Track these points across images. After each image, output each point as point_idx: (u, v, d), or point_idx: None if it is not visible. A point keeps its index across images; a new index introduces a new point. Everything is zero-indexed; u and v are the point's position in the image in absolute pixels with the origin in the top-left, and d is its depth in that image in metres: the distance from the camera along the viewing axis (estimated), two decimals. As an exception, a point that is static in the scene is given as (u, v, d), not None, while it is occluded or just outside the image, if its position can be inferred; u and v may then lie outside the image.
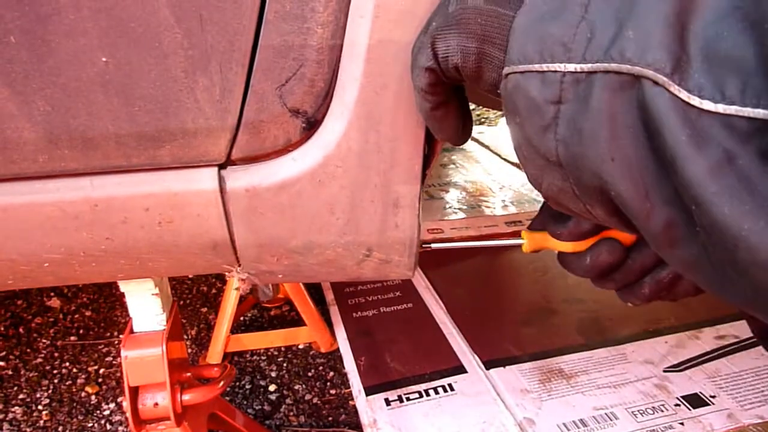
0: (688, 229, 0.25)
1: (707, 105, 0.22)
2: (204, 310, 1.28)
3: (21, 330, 1.20)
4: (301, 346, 1.14)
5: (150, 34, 0.37)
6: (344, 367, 0.99)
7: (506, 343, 1.01)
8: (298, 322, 1.15)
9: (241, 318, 1.23)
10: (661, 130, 0.23)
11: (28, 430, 0.95)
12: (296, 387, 1.04)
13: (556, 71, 0.28)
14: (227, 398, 1.00)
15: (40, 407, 1.00)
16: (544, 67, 0.28)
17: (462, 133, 0.40)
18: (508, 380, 0.91)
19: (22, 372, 1.08)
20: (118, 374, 1.07)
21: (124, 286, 0.59)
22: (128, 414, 0.63)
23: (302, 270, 0.48)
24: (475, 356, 0.97)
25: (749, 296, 0.23)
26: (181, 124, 0.40)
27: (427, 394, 0.89)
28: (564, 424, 0.83)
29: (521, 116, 0.31)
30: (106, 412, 0.99)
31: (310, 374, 1.07)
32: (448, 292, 1.17)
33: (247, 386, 1.04)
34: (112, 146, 0.40)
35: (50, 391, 1.03)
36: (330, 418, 0.97)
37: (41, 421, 0.97)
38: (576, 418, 0.84)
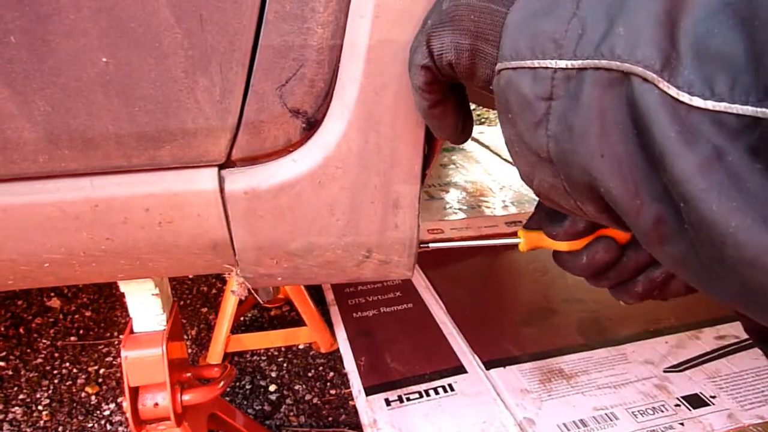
0: (677, 226, 0.25)
1: (697, 102, 0.22)
2: (204, 310, 1.28)
3: (21, 330, 1.20)
4: (301, 347, 1.14)
5: (150, 34, 0.37)
6: (344, 368, 0.99)
7: (506, 343, 1.01)
8: (298, 322, 1.15)
9: (242, 318, 1.23)
10: (650, 126, 0.23)
11: (28, 430, 0.95)
12: (296, 387, 1.04)
13: (547, 67, 0.28)
14: (227, 398, 1.00)
15: (40, 407, 1.00)
16: (536, 63, 0.28)
17: (462, 131, 0.40)
18: (508, 380, 0.91)
19: (23, 372, 1.08)
20: (119, 374, 1.07)
21: (124, 287, 0.59)
22: (128, 414, 0.63)
23: (301, 272, 0.48)
24: (475, 356, 0.97)
25: (737, 293, 0.23)
26: (181, 125, 0.40)
27: (427, 395, 0.89)
28: (564, 424, 0.83)
29: (513, 112, 0.31)
30: (107, 413, 0.99)
31: (310, 374, 1.07)
32: (448, 292, 1.17)
33: (248, 386, 1.04)
34: (112, 146, 0.40)
35: (50, 392, 1.03)
36: (330, 419, 0.97)
37: (41, 422, 0.97)
38: (576, 419, 0.84)
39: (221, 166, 0.42)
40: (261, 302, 1.24)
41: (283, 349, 1.14)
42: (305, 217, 0.44)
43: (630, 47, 0.24)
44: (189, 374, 0.70)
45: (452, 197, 1.63)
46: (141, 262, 0.46)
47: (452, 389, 0.90)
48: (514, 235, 0.47)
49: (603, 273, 0.43)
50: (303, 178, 0.42)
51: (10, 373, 1.08)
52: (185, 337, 1.18)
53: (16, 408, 1.00)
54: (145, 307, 0.61)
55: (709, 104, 0.21)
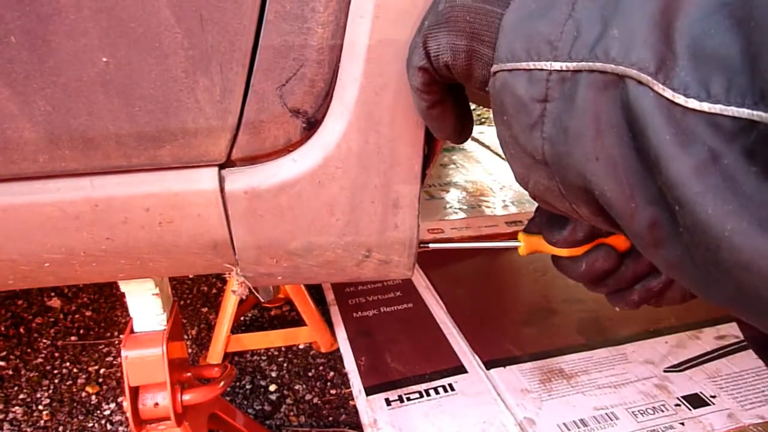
0: (672, 229, 0.24)
1: (692, 103, 0.21)
2: (204, 310, 1.28)
3: (21, 330, 1.20)
4: (301, 346, 1.14)
5: (150, 34, 0.37)
6: (344, 367, 0.99)
7: (506, 343, 1.01)
8: (298, 322, 1.15)
9: (242, 318, 1.23)
10: (645, 129, 0.23)
11: (28, 430, 0.95)
12: (296, 387, 1.04)
13: (542, 69, 0.28)
14: (227, 398, 1.00)
15: (40, 407, 1.00)
16: (531, 65, 0.28)
17: (461, 131, 0.40)
18: (508, 380, 0.91)
19: (23, 372, 1.08)
20: (119, 374, 1.07)
21: (124, 286, 0.59)
22: (128, 414, 0.63)
23: (301, 271, 0.48)
24: (476, 356, 0.97)
25: (732, 297, 0.23)
26: (181, 124, 0.40)
27: (428, 394, 0.89)
28: (564, 424, 0.83)
29: (508, 114, 0.31)
30: (107, 412, 0.99)
31: (310, 374, 1.07)
32: (448, 292, 1.17)
33: (248, 386, 1.04)
34: (112, 146, 0.40)
35: (51, 391, 1.03)
36: (330, 418, 0.97)
37: (42, 421, 0.97)
38: (576, 418, 0.84)
39: (221, 166, 0.42)
40: (261, 302, 1.24)
41: (283, 349, 1.14)
42: (305, 217, 0.44)
43: (624, 49, 0.24)
44: (189, 374, 0.70)
45: (452, 197, 1.63)
46: (141, 262, 0.46)
47: (452, 389, 0.90)
48: (515, 237, 0.47)
49: (601, 280, 0.43)
50: (303, 178, 0.42)
51: (11, 372, 1.08)
52: (185, 336, 1.18)
53: (17, 408, 1.00)
54: (146, 306, 0.61)
55: (705, 106, 0.21)
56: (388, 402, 0.88)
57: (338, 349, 1.06)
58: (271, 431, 0.94)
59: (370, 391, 0.90)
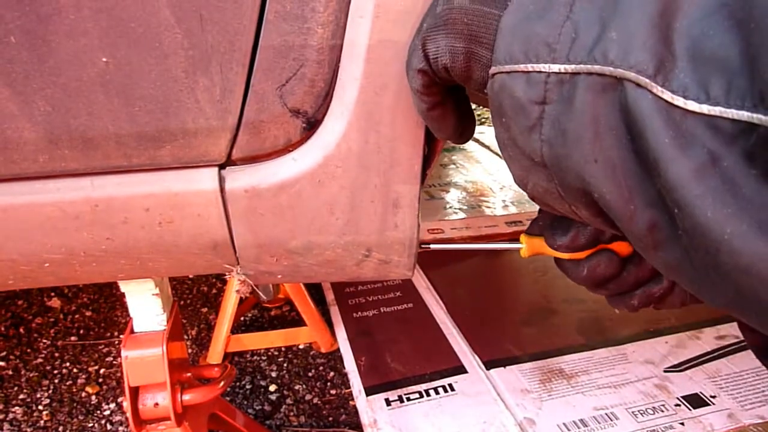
0: (671, 232, 0.24)
1: (692, 105, 0.21)
2: (204, 310, 1.28)
3: (21, 330, 1.20)
4: (301, 346, 1.14)
5: (150, 34, 0.37)
6: (344, 367, 0.99)
7: (506, 343, 1.01)
8: (298, 322, 1.15)
9: (242, 318, 1.23)
10: (643, 132, 0.23)
11: (28, 430, 0.95)
12: (296, 387, 1.04)
13: (540, 71, 0.27)
14: (227, 398, 1.00)
15: (40, 407, 1.00)
16: (529, 67, 0.28)
17: (462, 132, 0.40)
18: (508, 380, 0.91)
19: (23, 372, 1.08)
20: (119, 374, 1.07)
21: (124, 287, 0.59)
22: (128, 414, 0.63)
23: (301, 270, 0.48)
24: (476, 356, 0.97)
25: (731, 299, 0.23)
26: (181, 124, 0.40)
27: (428, 395, 0.89)
28: (564, 424, 0.83)
29: (507, 116, 0.31)
30: (107, 412, 0.99)
31: (310, 374, 1.07)
32: (448, 292, 1.17)
33: (248, 386, 1.04)
34: (112, 146, 0.40)
35: (50, 391, 1.03)
36: (330, 418, 0.97)
37: (42, 421, 0.97)
38: (576, 418, 0.84)
39: (221, 166, 0.42)
40: (261, 302, 1.24)
41: (283, 349, 1.14)
42: (305, 216, 0.44)
43: (623, 52, 0.24)
44: (189, 374, 0.70)
45: (452, 197, 1.63)
46: (141, 262, 0.46)
47: (452, 389, 0.90)
48: (515, 237, 0.47)
49: (602, 284, 0.43)
50: (303, 177, 0.42)
51: (11, 372, 1.08)
52: (185, 337, 1.18)
53: (17, 408, 1.00)
54: (146, 307, 0.61)
55: (705, 108, 0.21)
56: (388, 402, 0.88)
57: (338, 349, 1.06)
58: (271, 431, 0.94)
59: (370, 391, 0.90)
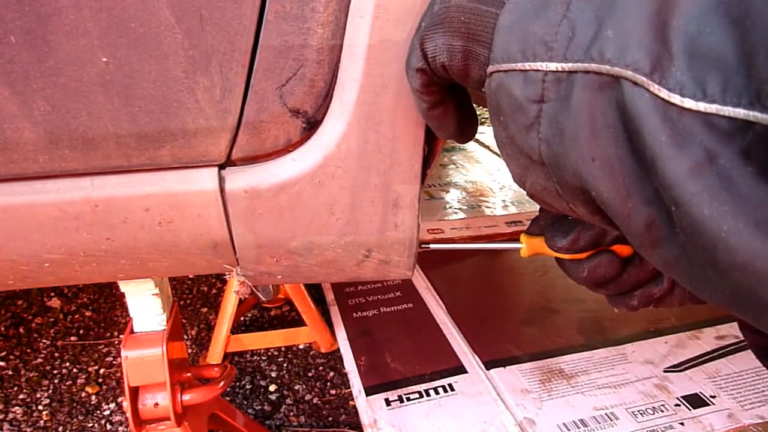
0: (668, 230, 0.24)
1: (688, 103, 0.21)
2: (204, 310, 1.28)
3: (21, 330, 1.20)
4: (301, 346, 1.14)
5: (150, 34, 0.37)
6: (344, 367, 0.99)
7: (506, 343, 1.01)
8: (298, 322, 1.15)
9: (242, 318, 1.23)
10: (640, 130, 0.23)
11: (28, 430, 0.95)
12: (296, 387, 1.04)
13: (538, 70, 0.28)
14: (227, 398, 1.00)
15: (40, 407, 1.00)
16: (527, 65, 0.28)
17: (464, 131, 0.40)
18: (508, 380, 0.91)
19: (23, 372, 1.08)
20: (119, 374, 1.07)
21: (124, 287, 0.59)
22: (128, 414, 0.63)
23: (301, 271, 0.48)
24: (476, 356, 0.97)
25: (729, 297, 0.23)
26: (181, 125, 0.40)
27: (428, 394, 0.89)
28: (564, 424, 0.83)
29: (505, 115, 0.31)
30: (107, 412, 0.99)
31: (310, 374, 1.07)
32: (448, 292, 1.17)
33: (248, 386, 1.04)
34: (112, 146, 0.40)
35: (50, 391, 1.03)
36: (330, 419, 0.97)
37: (41, 421, 0.97)
38: (576, 418, 0.84)
39: (221, 166, 0.42)
40: (261, 302, 1.24)
41: (283, 349, 1.14)
42: (305, 216, 0.44)
43: (619, 51, 0.24)
44: (189, 374, 0.70)
45: (452, 197, 1.63)
46: (141, 262, 0.46)
47: (452, 389, 0.90)
48: (515, 237, 0.47)
49: (602, 285, 0.43)
50: (303, 178, 0.42)
51: (10, 373, 1.08)
52: (185, 337, 1.18)
53: (17, 408, 1.00)
54: (146, 307, 0.61)
55: (701, 106, 0.21)
56: (388, 402, 0.88)
57: (338, 349, 1.06)
58: (271, 431, 0.94)
59: (370, 391, 0.90)
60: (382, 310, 1.12)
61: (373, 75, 0.39)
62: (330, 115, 0.41)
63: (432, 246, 0.49)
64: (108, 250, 0.45)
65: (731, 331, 1.02)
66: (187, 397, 0.65)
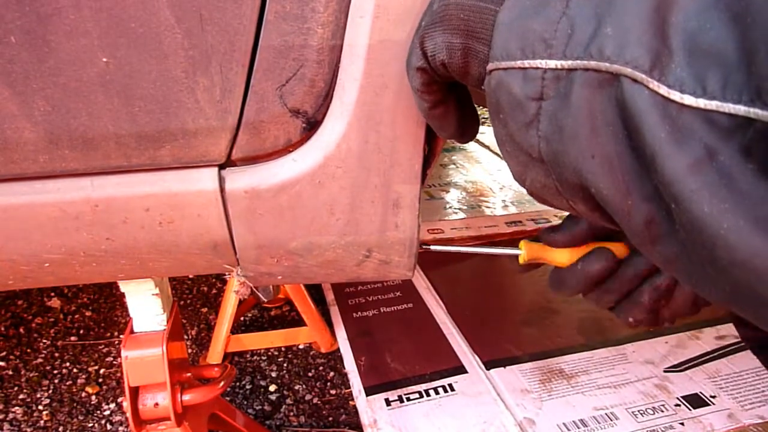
0: (668, 227, 0.24)
1: (688, 100, 0.21)
2: (204, 310, 1.28)
3: (21, 330, 1.20)
4: (301, 346, 1.14)
5: (150, 34, 0.37)
6: (344, 367, 0.99)
7: (506, 343, 1.01)
8: (298, 322, 1.15)
9: (242, 318, 1.23)
10: (640, 127, 0.23)
11: (28, 430, 0.95)
12: (296, 387, 1.04)
13: (537, 68, 0.28)
14: (227, 398, 1.00)
15: (40, 407, 1.00)
16: (526, 63, 0.28)
17: (465, 130, 0.40)
18: (508, 380, 0.91)
19: (23, 372, 1.08)
20: (119, 374, 1.07)
21: (124, 287, 0.59)
22: (128, 414, 0.63)
23: (301, 271, 0.48)
24: (476, 356, 0.97)
25: (729, 294, 0.23)
26: (181, 125, 0.40)
27: (428, 395, 0.89)
28: (564, 424, 0.83)
29: (504, 112, 0.31)
30: (107, 413, 0.99)
31: (310, 374, 1.07)
32: (448, 292, 1.17)
33: (248, 386, 1.04)
34: (112, 146, 0.40)
35: (50, 392, 1.03)
36: (330, 419, 0.97)
37: (42, 421, 0.97)
38: (576, 418, 0.84)
39: (221, 166, 0.42)
40: (261, 302, 1.24)
41: (283, 349, 1.14)
42: (305, 217, 0.44)
43: (619, 48, 0.24)
44: (189, 374, 0.70)
45: (452, 197, 1.63)
46: (141, 262, 0.46)
47: (452, 389, 0.90)
48: (515, 237, 0.47)
49: (603, 286, 0.42)
50: (303, 178, 0.42)
51: (11, 373, 1.08)
52: (185, 337, 1.18)
53: (17, 408, 1.00)
54: (146, 307, 0.61)
55: (701, 103, 0.21)
56: (388, 402, 0.88)
57: (338, 349, 1.06)
58: (271, 431, 0.94)
59: (370, 391, 0.90)
60: (382, 310, 1.12)
61: (374, 75, 0.39)
62: (330, 115, 0.41)
63: (432, 248, 0.49)
64: (108, 250, 0.45)
65: (731, 331, 1.02)
66: (187, 397, 0.65)
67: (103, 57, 0.37)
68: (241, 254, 0.46)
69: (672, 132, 0.22)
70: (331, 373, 1.07)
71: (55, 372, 1.08)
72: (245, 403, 1.00)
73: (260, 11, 0.37)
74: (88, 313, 1.26)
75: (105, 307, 1.28)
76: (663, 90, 0.22)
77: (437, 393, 0.89)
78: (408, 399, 0.88)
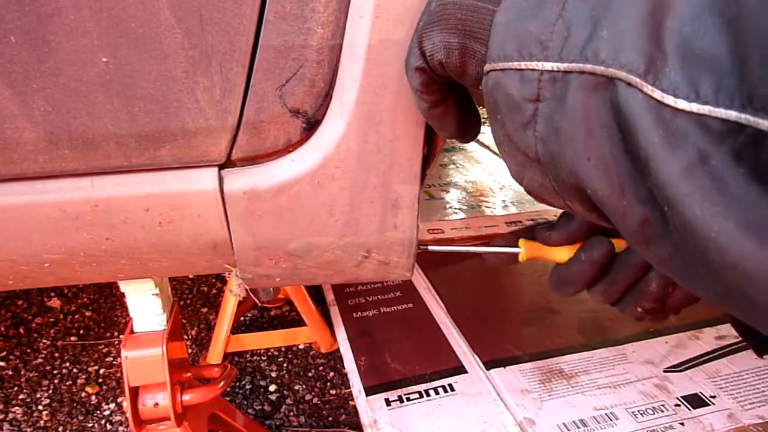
0: (662, 228, 0.25)
1: (681, 104, 0.21)
2: (204, 310, 1.28)
3: (21, 330, 1.20)
4: (301, 347, 1.14)
5: (150, 34, 0.37)
6: (344, 368, 0.99)
7: (506, 343, 1.01)
8: (298, 322, 1.15)
9: (241, 318, 1.23)
10: (634, 131, 0.23)
11: (28, 430, 0.95)
12: (296, 387, 1.04)
13: (534, 69, 0.28)
14: (227, 398, 1.00)
15: (40, 407, 1.00)
16: (523, 65, 0.28)
17: (466, 130, 0.40)
18: (508, 380, 0.91)
19: (23, 372, 1.08)
20: (119, 374, 1.07)
21: (124, 287, 0.59)
22: (128, 414, 0.63)
23: (300, 273, 0.48)
24: (476, 356, 0.97)
25: (721, 296, 0.23)
26: (181, 125, 0.40)
27: (428, 395, 0.89)
28: (564, 424, 0.83)
29: (502, 113, 0.31)
30: (107, 413, 0.99)
31: (310, 374, 1.07)
32: (448, 292, 1.17)
33: (248, 386, 1.04)
34: (112, 146, 0.40)
35: (50, 392, 1.03)
36: (330, 419, 0.97)
37: (41, 422, 0.97)
38: (576, 418, 0.84)
39: (221, 166, 0.42)
40: (259, 303, 1.24)
41: (283, 349, 1.14)
42: (304, 218, 0.44)
43: (614, 51, 0.24)
44: (189, 374, 0.70)
45: (452, 197, 1.63)
46: (141, 262, 0.46)
47: (452, 389, 0.90)
48: (515, 243, 0.46)
49: (609, 276, 0.41)
50: (302, 179, 0.42)
51: (10, 373, 1.08)
52: (185, 337, 1.18)
53: (17, 408, 1.00)
54: (146, 307, 0.61)
55: (694, 107, 0.21)
56: (388, 402, 0.88)
57: (338, 350, 1.06)
58: (271, 431, 0.94)
59: (370, 391, 0.90)
60: (382, 310, 1.12)
61: (373, 75, 0.39)
62: (330, 115, 0.41)
63: (430, 248, 0.49)
64: (108, 250, 0.45)
65: (731, 331, 1.02)
66: (187, 397, 0.65)
67: (103, 57, 0.37)
68: (239, 256, 0.46)
69: (665, 136, 0.22)
70: (331, 373, 1.07)
71: (55, 372, 1.08)
72: (245, 403, 1.00)
73: (260, 11, 0.37)
74: (88, 313, 1.26)
75: (105, 307, 1.29)
76: (657, 94, 0.22)
77: (437, 393, 0.89)
78: (408, 399, 0.88)
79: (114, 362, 1.11)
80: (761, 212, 0.20)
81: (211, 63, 0.38)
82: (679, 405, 0.86)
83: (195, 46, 0.37)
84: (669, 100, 0.22)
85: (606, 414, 0.84)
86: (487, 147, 2.03)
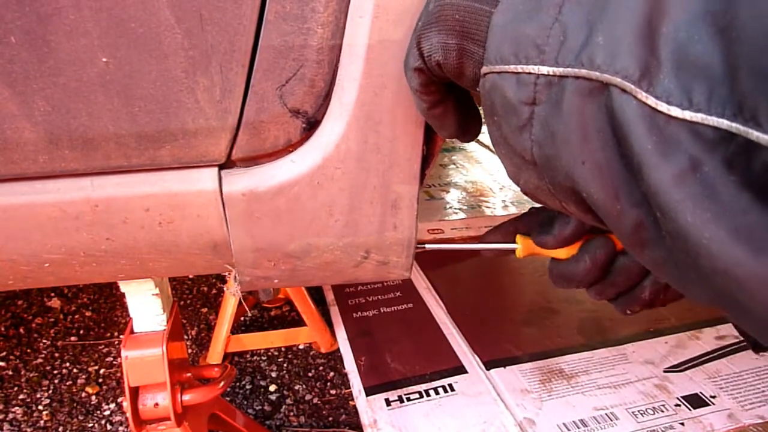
0: (656, 232, 0.25)
1: (675, 111, 0.22)
2: (204, 310, 1.28)
3: (21, 330, 1.20)
4: (301, 347, 1.14)
5: (150, 34, 0.37)
6: (344, 368, 0.99)
7: (506, 343, 1.01)
8: (298, 322, 1.15)
9: (242, 318, 1.23)
10: (628, 137, 0.24)
11: (28, 430, 0.95)
12: (296, 387, 1.04)
13: (530, 73, 0.28)
14: (227, 398, 1.00)
15: (40, 407, 1.00)
16: (519, 68, 0.28)
17: (466, 129, 0.40)
18: (508, 380, 0.91)
19: (23, 372, 1.08)
20: (119, 374, 1.07)
21: (124, 287, 0.59)
22: (129, 414, 0.63)
23: (299, 274, 0.48)
24: (476, 356, 0.97)
25: (713, 299, 0.24)
26: (181, 125, 0.40)
27: (428, 395, 0.89)
28: (564, 424, 0.83)
29: (498, 115, 0.31)
30: (107, 413, 0.99)
31: (310, 374, 1.07)
32: (448, 292, 1.17)
33: (248, 386, 1.04)
34: (112, 146, 0.40)
35: (50, 392, 1.03)
36: (330, 419, 0.97)
37: (41, 422, 0.97)
38: (576, 419, 0.84)
39: (221, 166, 0.42)
40: (260, 302, 1.24)
41: (283, 349, 1.14)
42: (304, 219, 0.44)
43: (609, 57, 0.24)
44: (189, 374, 0.70)
45: (452, 197, 1.63)
46: (141, 262, 0.46)
47: (452, 389, 0.90)
48: (511, 235, 0.46)
49: (608, 279, 0.41)
50: (301, 179, 0.42)
51: (11, 373, 1.08)
52: (185, 337, 1.18)
53: (17, 408, 1.00)
54: (146, 307, 0.61)
55: (687, 114, 0.21)
56: (388, 402, 0.88)
57: (338, 350, 1.06)
58: (271, 431, 0.94)
59: (370, 391, 0.90)
60: (382, 310, 1.12)
61: (373, 75, 0.39)
62: (329, 116, 0.41)
63: (427, 246, 0.49)
64: (108, 250, 0.45)
65: (731, 331, 1.02)
66: (187, 397, 0.65)
67: (103, 57, 0.37)
68: (238, 258, 0.46)
69: (659, 143, 0.22)
70: (331, 373, 1.07)
71: (55, 372, 1.08)
72: (245, 403, 1.00)
73: (260, 11, 0.37)
74: (88, 313, 1.26)
75: (105, 307, 1.29)
76: (651, 101, 0.22)
77: (437, 393, 0.89)
78: (408, 399, 0.88)
79: (114, 362, 1.11)
80: (752, 219, 0.20)
81: (211, 63, 0.38)
82: (679, 405, 0.86)
83: (195, 46, 0.37)
84: (663, 107, 0.22)
85: (606, 414, 0.84)
86: (487, 147, 2.03)
